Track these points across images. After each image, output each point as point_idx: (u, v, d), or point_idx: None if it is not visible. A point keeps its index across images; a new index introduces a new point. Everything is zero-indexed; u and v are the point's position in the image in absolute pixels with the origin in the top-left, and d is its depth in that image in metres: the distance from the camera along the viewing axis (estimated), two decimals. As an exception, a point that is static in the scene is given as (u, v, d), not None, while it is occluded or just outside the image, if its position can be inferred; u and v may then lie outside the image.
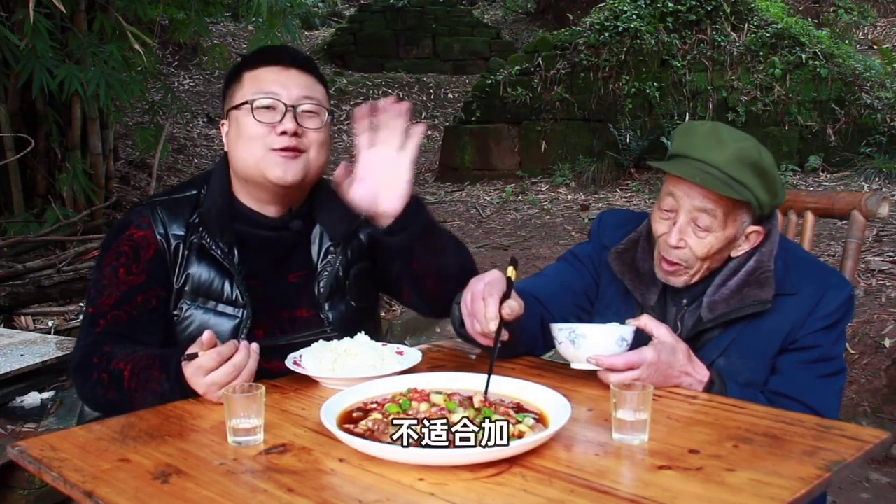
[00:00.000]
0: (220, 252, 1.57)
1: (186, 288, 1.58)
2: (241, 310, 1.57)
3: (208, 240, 1.57)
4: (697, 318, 1.54)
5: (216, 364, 1.34)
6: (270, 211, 1.64)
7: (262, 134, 1.55)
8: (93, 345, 1.52)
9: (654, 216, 1.56)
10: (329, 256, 1.67)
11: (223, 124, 1.64)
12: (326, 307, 1.64)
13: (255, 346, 1.38)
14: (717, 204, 1.46)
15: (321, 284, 1.65)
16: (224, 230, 1.59)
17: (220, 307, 1.58)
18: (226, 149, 1.64)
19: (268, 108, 1.55)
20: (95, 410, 1.56)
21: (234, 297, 1.57)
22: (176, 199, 1.63)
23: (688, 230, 1.49)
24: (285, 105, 1.55)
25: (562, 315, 1.59)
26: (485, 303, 1.35)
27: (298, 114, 1.57)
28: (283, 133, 1.54)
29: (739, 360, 1.50)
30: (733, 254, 1.53)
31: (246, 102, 1.56)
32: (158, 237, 1.58)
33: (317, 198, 1.68)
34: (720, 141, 1.46)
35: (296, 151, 1.56)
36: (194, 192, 1.64)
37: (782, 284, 1.50)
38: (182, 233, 1.59)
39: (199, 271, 1.58)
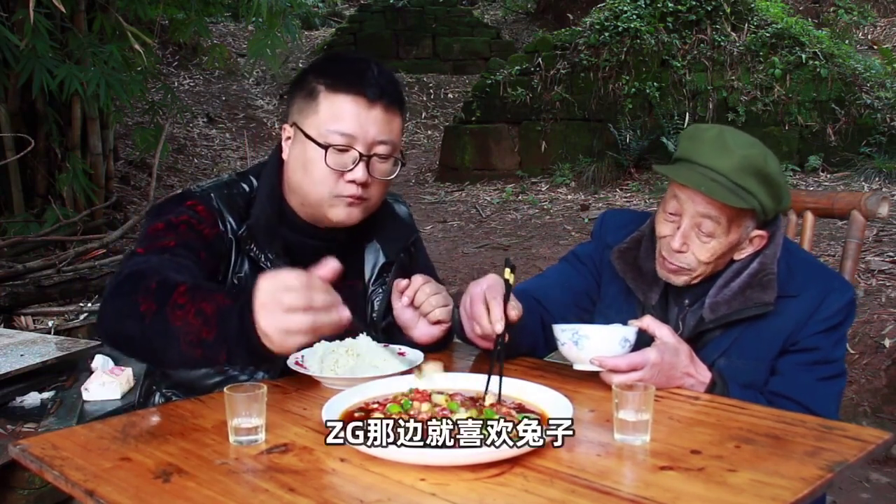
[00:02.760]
0: (269, 264, 1.52)
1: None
2: None
3: (256, 251, 1.52)
4: (699, 319, 1.54)
5: (304, 304, 1.10)
6: (320, 224, 1.59)
7: (330, 179, 1.49)
8: (141, 263, 1.35)
9: (658, 217, 1.56)
10: (384, 275, 1.65)
11: (285, 129, 1.57)
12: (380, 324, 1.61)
13: (346, 314, 1.16)
14: (721, 211, 1.45)
15: (376, 303, 1.64)
16: (273, 239, 1.53)
17: None
18: (284, 156, 1.57)
19: (341, 149, 1.49)
20: (114, 336, 1.31)
21: None
22: (229, 193, 1.55)
23: (691, 235, 1.49)
24: (360, 154, 1.49)
25: (562, 316, 1.59)
26: (489, 306, 1.35)
27: (371, 162, 1.51)
28: (352, 181, 1.49)
29: (740, 361, 1.50)
30: (736, 256, 1.54)
31: (318, 142, 1.48)
32: (219, 224, 1.51)
33: (373, 215, 1.62)
34: (726, 148, 1.45)
35: (361, 199, 1.52)
36: (247, 187, 1.58)
37: (785, 286, 1.50)
38: (237, 228, 1.52)
39: (251, 276, 1.51)
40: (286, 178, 1.57)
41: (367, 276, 1.66)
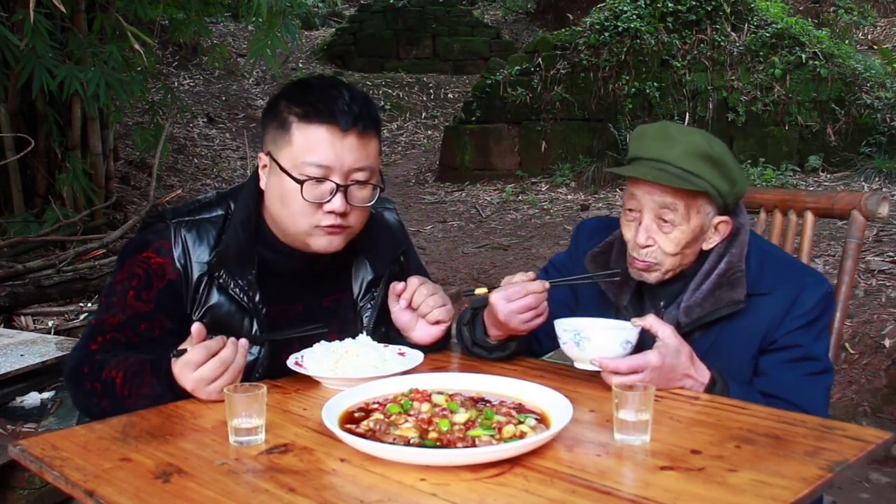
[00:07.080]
0: (238, 291, 1.52)
1: (205, 321, 1.49)
2: (259, 348, 1.53)
3: (226, 278, 1.52)
4: (675, 323, 1.54)
5: (204, 359, 1.34)
6: (303, 249, 1.56)
7: (308, 212, 1.48)
8: (86, 356, 1.50)
9: (622, 222, 1.58)
10: (373, 290, 1.65)
11: (261, 157, 1.55)
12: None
13: (243, 341, 1.39)
14: (676, 197, 1.48)
15: (365, 318, 1.65)
16: (245, 267, 1.53)
17: None
18: (261, 185, 1.55)
19: (317, 181, 1.47)
20: (88, 417, 1.51)
21: (252, 333, 1.53)
22: (201, 221, 1.55)
23: (653, 227, 1.51)
24: (336, 184, 1.47)
25: (544, 324, 1.56)
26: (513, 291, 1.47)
27: (349, 190, 1.49)
28: (331, 212, 1.48)
29: (719, 363, 1.50)
30: (705, 246, 1.55)
31: (293, 176, 1.47)
32: (178, 266, 1.51)
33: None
34: (670, 137, 1.50)
35: (342, 227, 1.51)
36: (221, 212, 1.57)
37: (755, 284, 1.51)
38: (206, 259, 1.53)
39: (221, 303, 1.53)
40: (266, 206, 1.56)
41: (355, 292, 1.66)
